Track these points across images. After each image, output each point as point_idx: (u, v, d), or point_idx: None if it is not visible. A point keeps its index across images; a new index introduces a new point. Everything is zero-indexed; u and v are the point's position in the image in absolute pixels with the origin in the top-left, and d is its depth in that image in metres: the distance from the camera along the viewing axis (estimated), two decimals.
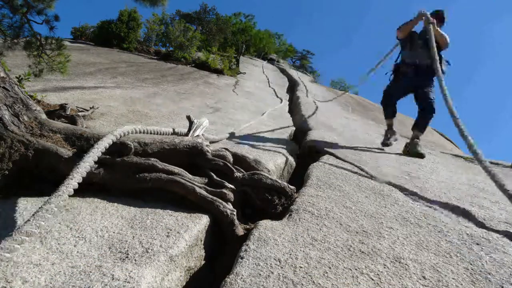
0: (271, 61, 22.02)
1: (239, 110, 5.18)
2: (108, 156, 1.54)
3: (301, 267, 1.13)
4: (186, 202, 1.49)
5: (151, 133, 1.83)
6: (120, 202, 1.43)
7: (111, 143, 1.46)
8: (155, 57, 11.73)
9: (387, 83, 3.83)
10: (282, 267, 1.12)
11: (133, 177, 1.51)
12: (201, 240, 1.33)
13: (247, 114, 4.88)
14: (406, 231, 1.53)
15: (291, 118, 5.67)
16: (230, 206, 1.52)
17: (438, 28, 3.43)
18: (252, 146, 2.85)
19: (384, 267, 1.19)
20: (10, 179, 1.39)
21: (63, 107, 2.81)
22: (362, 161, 2.84)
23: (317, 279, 1.08)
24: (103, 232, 1.17)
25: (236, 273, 1.07)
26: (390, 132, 3.81)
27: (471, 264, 1.29)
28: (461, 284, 1.15)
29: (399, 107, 3.82)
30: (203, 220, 1.39)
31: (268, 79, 12.00)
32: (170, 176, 1.52)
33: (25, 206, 1.27)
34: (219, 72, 10.47)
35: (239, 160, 1.87)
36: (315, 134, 3.86)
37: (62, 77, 4.19)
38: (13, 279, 0.88)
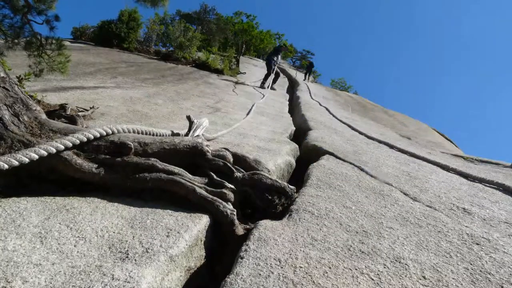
0: None
1: (239, 110, 5.18)
2: (108, 156, 1.54)
3: (301, 267, 1.13)
4: (186, 202, 1.49)
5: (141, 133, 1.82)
6: (120, 202, 1.43)
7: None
8: (155, 57, 11.74)
9: None
10: (282, 267, 1.12)
11: (133, 177, 1.51)
12: (201, 240, 1.33)
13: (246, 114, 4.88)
14: (406, 231, 1.53)
15: (291, 118, 5.68)
16: (230, 206, 1.52)
17: None
18: (252, 146, 2.84)
19: (384, 267, 1.19)
20: (10, 179, 1.38)
21: (63, 107, 2.81)
22: (362, 161, 2.84)
23: (317, 279, 1.08)
24: (103, 232, 1.17)
25: (236, 273, 1.07)
26: None
27: (471, 264, 1.29)
28: (461, 284, 1.15)
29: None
30: (203, 220, 1.39)
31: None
32: (170, 176, 1.52)
33: (25, 206, 1.27)
34: (219, 72, 10.48)
35: (239, 160, 1.87)
36: (315, 134, 3.87)
37: (62, 77, 4.19)
38: (13, 279, 0.88)
